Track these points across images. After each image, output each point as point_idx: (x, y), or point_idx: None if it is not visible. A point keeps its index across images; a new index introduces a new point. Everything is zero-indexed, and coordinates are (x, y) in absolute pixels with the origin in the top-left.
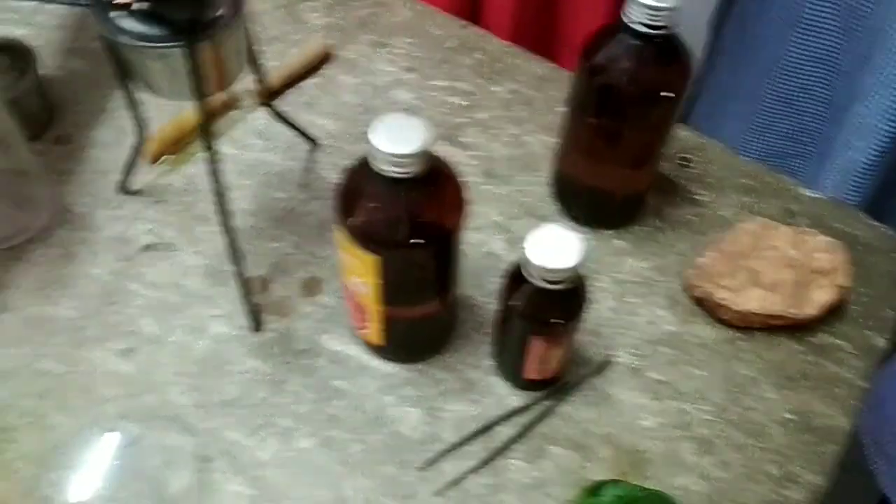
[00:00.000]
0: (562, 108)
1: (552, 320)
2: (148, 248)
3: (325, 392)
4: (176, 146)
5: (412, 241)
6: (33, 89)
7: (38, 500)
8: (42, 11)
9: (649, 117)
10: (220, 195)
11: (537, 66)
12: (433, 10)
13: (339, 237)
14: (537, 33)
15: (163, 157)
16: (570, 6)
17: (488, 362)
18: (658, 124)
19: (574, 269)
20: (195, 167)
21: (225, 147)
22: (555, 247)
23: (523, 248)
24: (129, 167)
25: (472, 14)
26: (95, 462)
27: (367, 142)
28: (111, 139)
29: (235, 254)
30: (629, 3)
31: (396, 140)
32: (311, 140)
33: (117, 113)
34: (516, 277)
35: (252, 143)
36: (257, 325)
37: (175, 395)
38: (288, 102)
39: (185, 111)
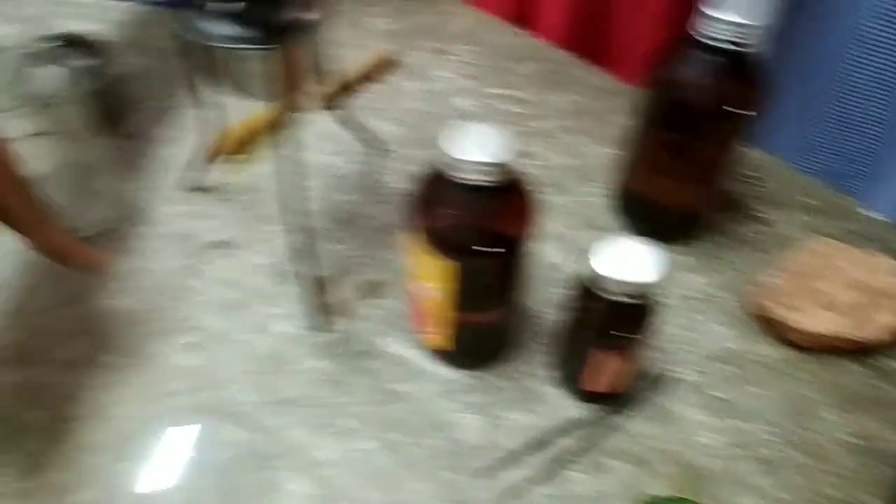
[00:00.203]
0: (620, 120)
1: (621, 335)
2: (211, 245)
3: (385, 394)
4: (241, 146)
5: (491, 248)
6: (105, 85)
7: (100, 491)
8: (112, 8)
9: (722, 134)
10: (292, 197)
11: (595, 78)
12: (492, 19)
13: (411, 242)
14: (590, 45)
15: (228, 157)
16: (623, 19)
17: (546, 372)
18: (729, 141)
19: (653, 284)
20: (259, 167)
21: (291, 149)
22: (629, 260)
23: (594, 259)
24: (195, 165)
25: (528, 24)
26: (159, 455)
27: (445, 149)
28: (177, 136)
29: (303, 255)
30: (707, 19)
31: (480, 149)
32: (374, 145)
33: (182, 111)
34: (586, 289)
35: (316, 145)
36: (320, 325)
37: (239, 391)
38: (350, 107)
39: (251, 112)
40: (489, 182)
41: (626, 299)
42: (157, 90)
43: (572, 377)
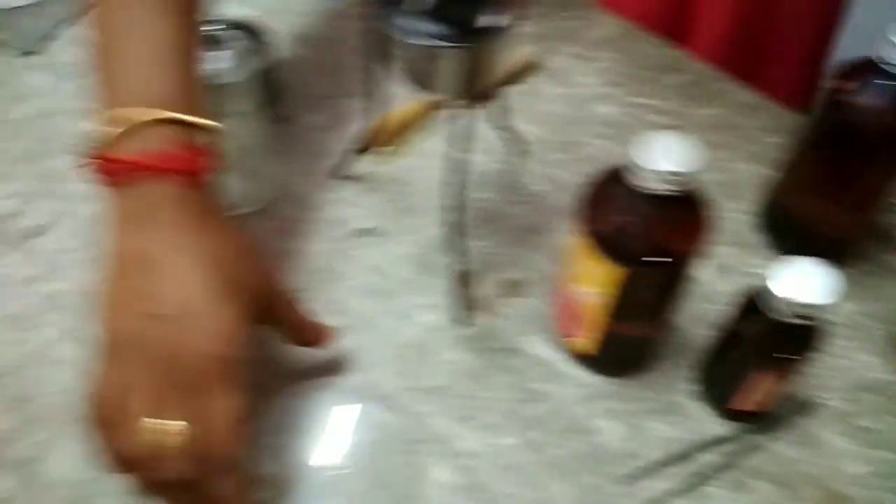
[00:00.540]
0: (765, 137)
1: (785, 356)
2: (360, 232)
3: (525, 393)
4: (392, 137)
5: (664, 259)
6: (267, 69)
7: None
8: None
9: (892, 163)
10: (456, 192)
11: (742, 94)
12: (636, 27)
13: (577, 244)
14: (743, 62)
15: (379, 147)
16: (781, 38)
17: (689, 385)
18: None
19: (826, 306)
20: (407, 160)
21: (436, 144)
22: (804, 281)
23: (769, 279)
24: (348, 153)
25: (677, 36)
26: (309, 432)
27: (631, 155)
28: (330, 124)
29: (450, 248)
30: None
31: (667, 157)
32: (517, 145)
33: (336, 100)
34: (752, 308)
35: (456, 140)
36: (463, 319)
37: (386, 376)
38: (493, 106)
39: (404, 104)
40: (670, 192)
41: (796, 321)
42: (312, 78)
43: (719, 393)
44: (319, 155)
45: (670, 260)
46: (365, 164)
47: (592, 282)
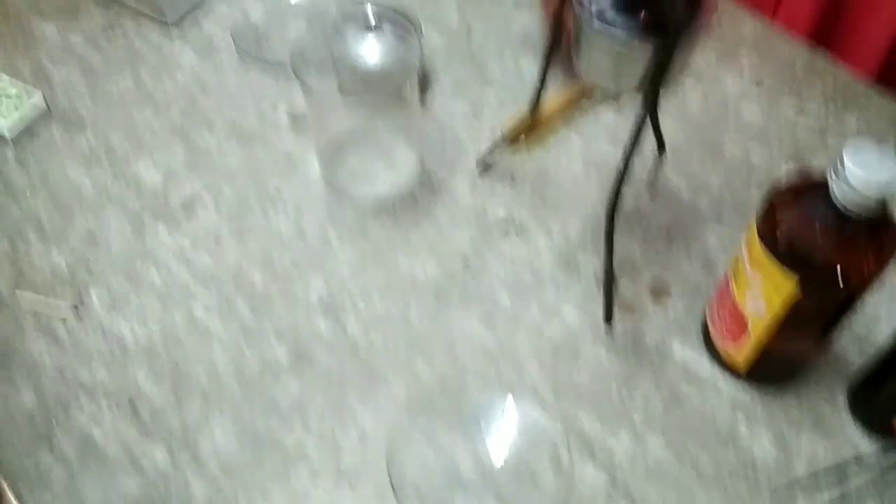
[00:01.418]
0: None
1: None
2: (503, 223)
3: (673, 397)
4: (538, 130)
5: (849, 279)
6: (415, 56)
7: (400, 443)
8: None
9: None
10: (615, 195)
11: (888, 104)
12: (778, 30)
13: (753, 252)
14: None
15: (525, 139)
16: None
17: (841, 399)
18: None
19: None
20: (547, 152)
21: (573, 137)
22: None
23: None
24: (493, 144)
25: (825, 41)
26: (460, 418)
27: (835, 170)
28: (469, 112)
29: (609, 246)
30: None
31: (870, 175)
32: (660, 144)
33: (473, 87)
34: None
35: (599, 136)
36: (609, 318)
37: (531, 370)
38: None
39: (551, 97)
40: (868, 212)
41: None
42: (450, 67)
43: (876, 412)
44: (460, 143)
45: (855, 281)
46: (511, 156)
47: (765, 293)
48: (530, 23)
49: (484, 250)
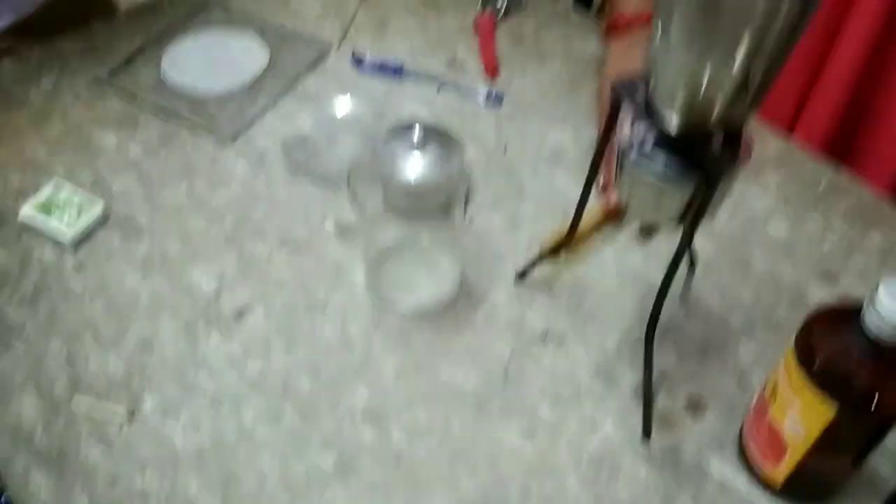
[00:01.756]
0: None
1: None
2: (543, 335)
3: None
4: (576, 243)
5: (880, 407)
6: (457, 171)
7: None
8: (441, 97)
9: None
10: (654, 316)
11: None
12: (801, 148)
13: (791, 375)
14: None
15: (563, 251)
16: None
17: None
18: None
19: None
20: (583, 265)
21: (608, 251)
22: None
23: None
24: (532, 259)
25: (843, 157)
26: None
27: (874, 300)
28: (507, 225)
29: (649, 363)
30: None
31: None
32: (691, 259)
33: (509, 202)
34: None
35: (633, 251)
36: (647, 433)
37: (572, 485)
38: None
39: (589, 211)
40: None
41: None
42: (488, 181)
43: None
44: (498, 255)
45: (887, 408)
46: (549, 268)
47: (799, 414)
48: (562, 139)
49: (523, 360)
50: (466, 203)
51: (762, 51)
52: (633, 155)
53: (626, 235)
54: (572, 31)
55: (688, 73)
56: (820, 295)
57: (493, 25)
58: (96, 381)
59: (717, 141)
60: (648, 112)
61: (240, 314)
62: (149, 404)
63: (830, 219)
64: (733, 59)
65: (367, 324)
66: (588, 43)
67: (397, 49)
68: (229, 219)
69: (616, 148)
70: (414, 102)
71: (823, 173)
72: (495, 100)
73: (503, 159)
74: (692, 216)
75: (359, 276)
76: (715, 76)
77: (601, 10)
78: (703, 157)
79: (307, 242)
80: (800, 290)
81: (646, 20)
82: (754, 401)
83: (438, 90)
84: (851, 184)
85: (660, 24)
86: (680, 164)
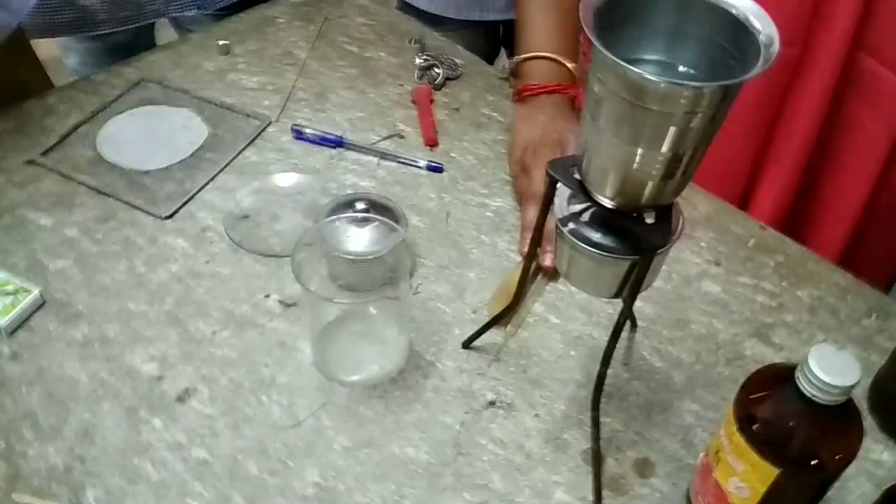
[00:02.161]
0: (866, 321)
1: None
2: (491, 404)
3: None
4: (518, 310)
5: (821, 465)
6: (402, 243)
7: None
8: (381, 167)
9: None
10: (600, 378)
11: (838, 276)
12: (731, 208)
13: (733, 439)
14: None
15: (506, 319)
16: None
17: None
18: None
19: None
20: (527, 332)
21: (551, 316)
22: None
23: None
24: (481, 328)
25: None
26: None
27: (807, 365)
28: (452, 294)
29: (596, 433)
30: None
31: (832, 369)
32: (632, 322)
33: (453, 270)
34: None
35: (575, 315)
36: (600, 501)
37: None
38: None
39: (530, 281)
40: (832, 401)
41: None
42: (430, 250)
43: None
44: (445, 324)
45: (828, 468)
46: (494, 336)
47: (743, 476)
48: (502, 205)
49: (473, 431)
50: (412, 274)
51: (688, 136)
52: (570, 228)
53: (567, 300)
54: (507, 100)
55: (617, 156)
56: (755, 351)
57: (431, 96)
58: (35, 476)
59: (649, 217)
60: (582, 189)
61: (184, 397)
62: (91, 497)
63: (761, 276)
64: (660, 145)
65: (314, 400)
66: None
67: (337, 120)
68: (170, 298)
69: (555, 227)
70: (355, 174)
71: (752, 230)
72: (436, 169)
73: (446, 227)
74: (630, 290)
75: (305, 351)
76: (644, 159)
77: (510, 77)
78: (638, 234)
79: (251, 319)
80: (736, 346)
81: (549, 91)
82: (699, 462)
83: (379, 162)
84: (778, 241)
85: (589, 111)
86: (616, 238)
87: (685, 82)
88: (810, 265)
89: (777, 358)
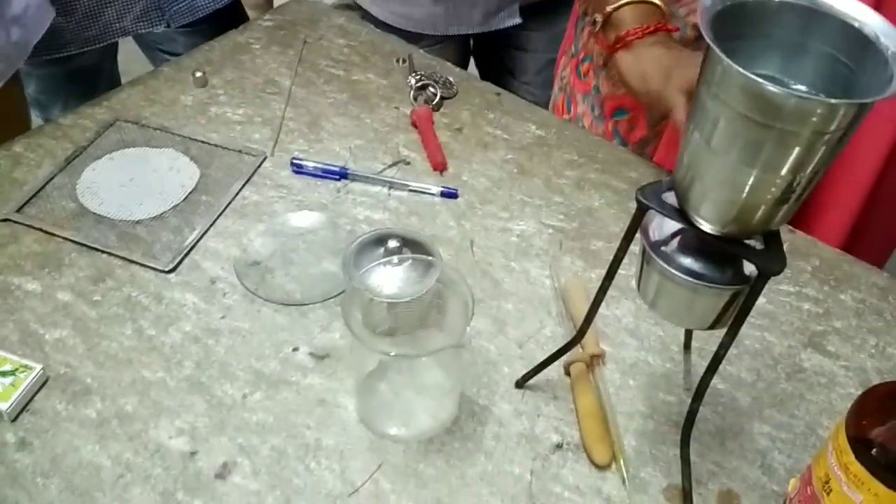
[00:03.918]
0: None
1: None
2: (558, 447)
3: None
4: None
5: None
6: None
7: None
8: (392, 198)
9: None
10: (692, 413)
11: (875, 276)
12: None
13: (850, 468)
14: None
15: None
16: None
17: None
18: None
19: None
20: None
21: (601, 344)
22: None
23: None
24: (540, 365)
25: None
26: None
27: None
28: (493, 329)
29: (688, 470)
30: None
31: None
32: (686, 344)
33: (488, 303)
34: None
35: (625, 341)
36: None
37: None
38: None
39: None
40: None
41: None
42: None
43: None
44: (492, 363)
45: None
46: (549, 373)
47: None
48: (526, 228)
49: (546, 479)
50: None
51: (812, 158)
52: (662, 256)
53: (612, 326)
54: (508, 117)
55: (729, 179)
56: (813, 362)
57: (432, 118)
58: None
59: (757, 243)
60: (681, 215)
61: (223, 473)
62: None
63: (801, 282)
64: (780, 167)
65: (369, 461)
66: (526, 125)
67: (336, 150)
68: (189, 361)
69: (640, 248)
70: (365, 206)
71: (784, 238)
72: (450, 195)
73: (472, 257)
74: (736, 320)
75: (348, 407)
76: (759, 182)
77: (599, 33)
78: (748, 261)
79: (282, 377)
80: (793, 359)
81: (649, 32)
82: (794, 492)
83: (389, 192)
84: (809, 244)
85: (696, 129)
86: (714, 265)
87: (822, 98)
88: (846, 267)
89: (836, 368)
